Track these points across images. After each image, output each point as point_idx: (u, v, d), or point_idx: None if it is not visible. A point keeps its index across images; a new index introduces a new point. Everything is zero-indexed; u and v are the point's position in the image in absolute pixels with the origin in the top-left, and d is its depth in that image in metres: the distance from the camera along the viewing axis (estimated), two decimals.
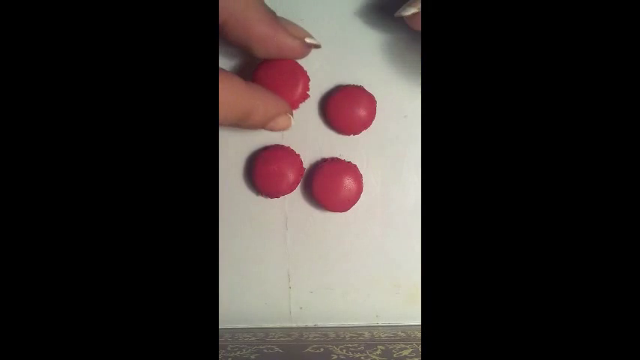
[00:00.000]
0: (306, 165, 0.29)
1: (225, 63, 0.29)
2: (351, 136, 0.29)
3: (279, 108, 0.26)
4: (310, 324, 0.31)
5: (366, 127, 0.29)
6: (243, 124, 0.24)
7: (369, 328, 0.30)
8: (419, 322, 0.30)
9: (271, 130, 0.26)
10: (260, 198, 0.29)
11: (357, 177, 0.29)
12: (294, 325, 0.31)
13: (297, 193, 0.29)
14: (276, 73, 0.27)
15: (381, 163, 0.29)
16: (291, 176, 0.28)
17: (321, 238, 0.30)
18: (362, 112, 0.28)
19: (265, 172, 0.28)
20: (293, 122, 0.26)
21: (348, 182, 0.28)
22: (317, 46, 0.26)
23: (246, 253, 0.30)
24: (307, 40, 0.26)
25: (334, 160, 0.29)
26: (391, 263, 0.30)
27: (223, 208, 0.30)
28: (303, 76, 0.27)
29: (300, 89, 0.27)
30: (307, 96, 0.28)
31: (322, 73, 0.29)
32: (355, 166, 0.29)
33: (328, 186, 0.28)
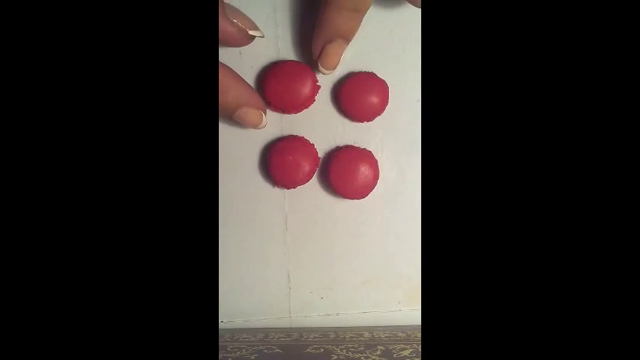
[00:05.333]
0: (320, 154, 0.29)
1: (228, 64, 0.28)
2: (365, 123, 0.29)
3: (251, 100, 0.26)
4: (310, 324, 0.31)
5: (379, 114, 0.29)
6: None
7: (369, 328, 0.30)
8: (419, 322, 0.30)
9: (240, 121, 0.26)
10: (260, 197, 0.29)
11: (373, 163, 0.28)
12: (294, 325, 0.31)
13: (297, 193, 0.29)
14: (284, 75, 0.28)
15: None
16: (306, 166, 0.28)
17: (321, 239, 0.30)
18: (374, 99, 0.28)
19: (281, 164, 0.28)
20: (264, 121, 0.27)
21: (364, 169, 0.28)
22: (260, 37, 0.26)
23: (246, 253, 0.30)
24: (250, 32, 0.25)
25: (349, 148, 0.29)
26: (391, 263, 0.30)
27: (224, 207, 0.30)
28: (310, 73, 0.28)
29: (309, 86, 0.28)
30: (318, 87, 0.28)
31: None
32: (370, 152, 0.29)
33: (345, 174, 0.28)
